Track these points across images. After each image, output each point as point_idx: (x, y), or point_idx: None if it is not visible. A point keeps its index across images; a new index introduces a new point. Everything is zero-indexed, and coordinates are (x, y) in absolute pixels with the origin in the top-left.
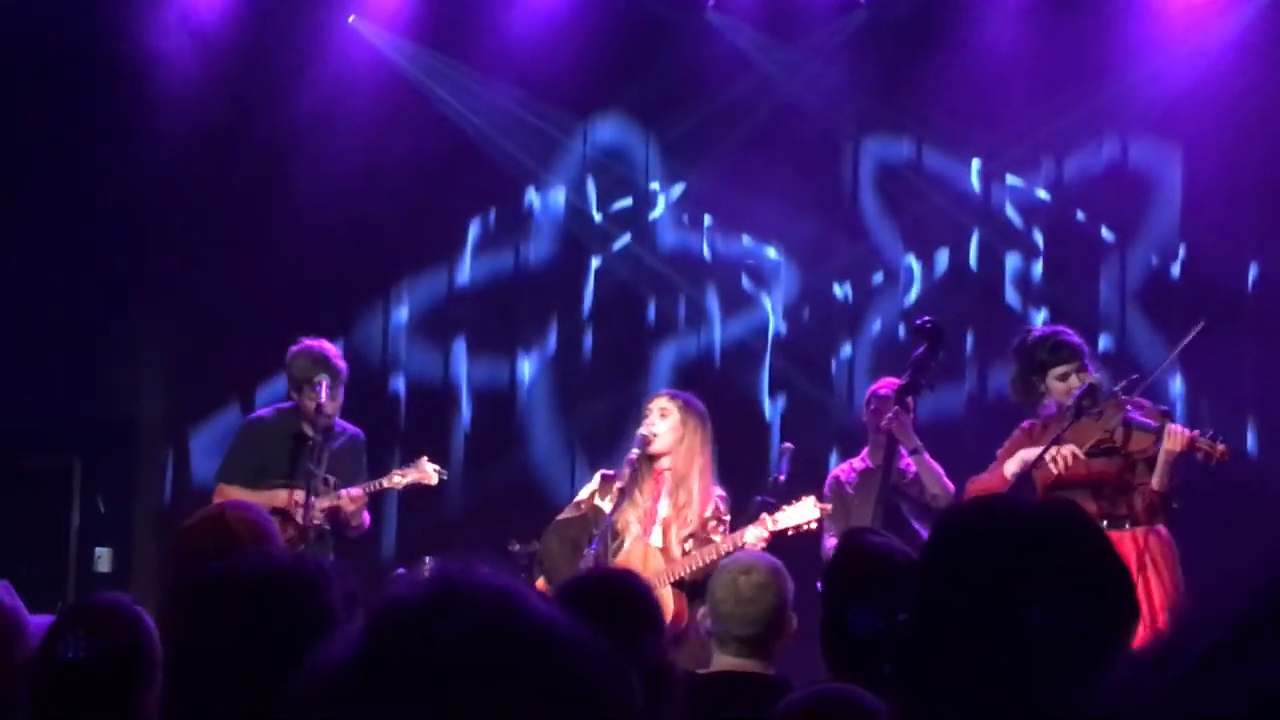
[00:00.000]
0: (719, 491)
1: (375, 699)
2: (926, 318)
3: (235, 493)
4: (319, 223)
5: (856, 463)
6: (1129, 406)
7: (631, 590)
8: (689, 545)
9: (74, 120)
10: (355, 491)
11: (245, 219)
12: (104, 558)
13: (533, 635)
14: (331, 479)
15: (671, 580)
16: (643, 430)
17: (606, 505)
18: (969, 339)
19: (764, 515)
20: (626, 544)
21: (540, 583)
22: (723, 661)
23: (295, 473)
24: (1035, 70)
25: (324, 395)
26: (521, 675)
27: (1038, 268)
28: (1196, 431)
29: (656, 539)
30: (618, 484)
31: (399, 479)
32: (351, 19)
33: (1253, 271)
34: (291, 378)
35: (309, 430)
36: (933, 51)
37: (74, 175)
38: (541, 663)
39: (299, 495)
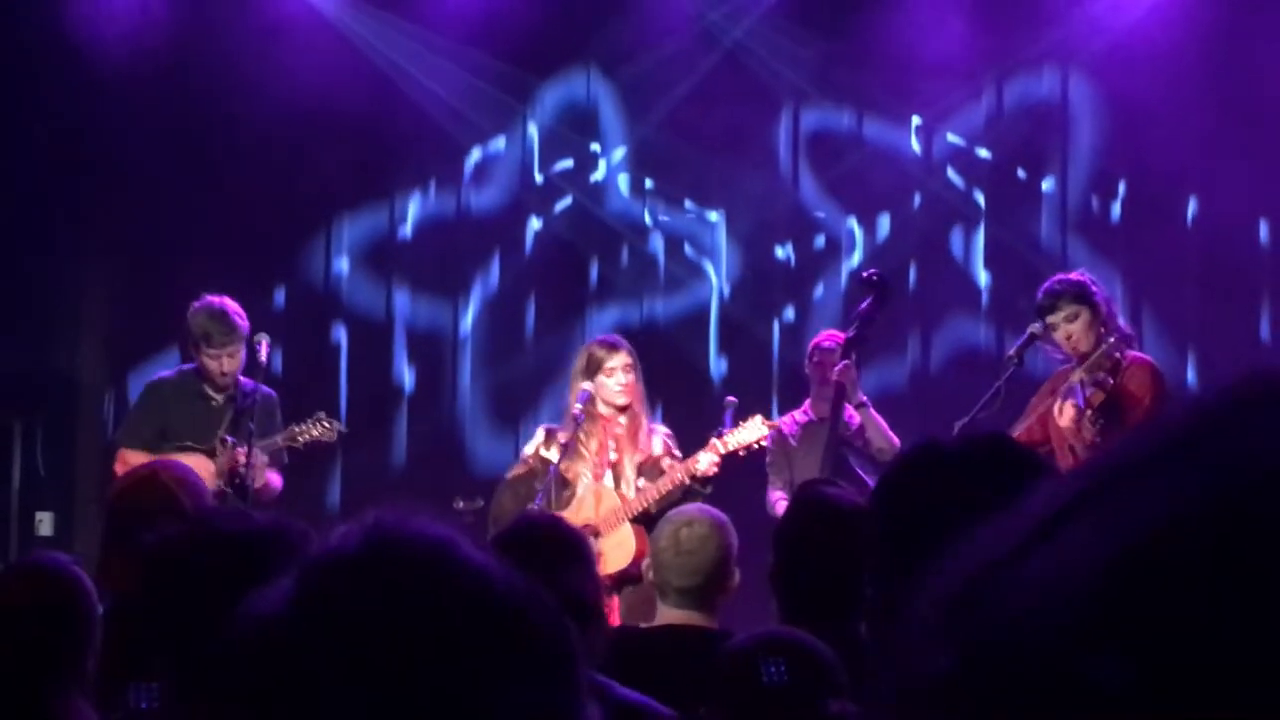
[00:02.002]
0: (665, 430)
1: (307, 651)
2: (872, 270)
3: (135, 458)
4: (261, 172)
5: (799, 415)
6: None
7: (554, 530)
8: (641, 481)
9: (5, 66)
10: (256, 453)
11: (184, 167)
12: (45, 521)
13: (468, 584)
14: (230, 439)
15: (630, 516)
16: (615, 395)
17: (553, 456)
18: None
19: (712, 440)
20: (579, 492)
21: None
22: (665, 614)
23: (200, 436)
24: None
25: (264, 353)
26: (457, 624)
27: (980, 226)
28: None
29: (609, 482)
30: (562, 437)
31: (298, 437)
32: None
33: (1192, 206)
34: (190, 336)
35: (210, 391)
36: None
37: (5, 124)
38: (477, 611)
39: (206, 459)
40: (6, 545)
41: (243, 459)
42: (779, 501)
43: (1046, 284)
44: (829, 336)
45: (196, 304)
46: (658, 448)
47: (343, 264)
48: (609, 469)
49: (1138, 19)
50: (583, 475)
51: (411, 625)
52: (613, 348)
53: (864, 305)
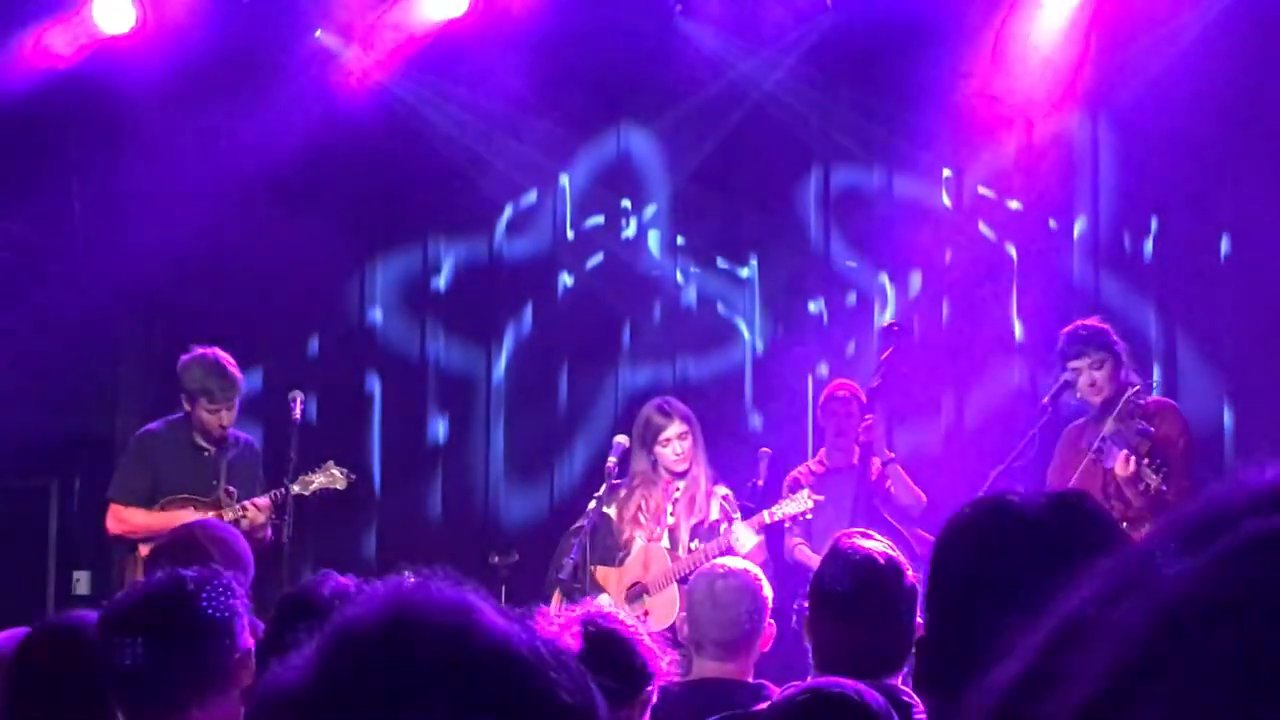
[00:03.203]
0: (724, 490)
1: None
2: (893, 321)
3: (131, 514)
4: (297, 223)
5: (814, 465)
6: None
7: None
8: (695, 544)
9: (48, 145)
10: (262, 501)
11: (218, 219)
12: (82, 580)
13: (488, 659)
14: (234, 490)
15: (678, 578)
16: (671, 464)
17: (611, 511)
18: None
19: (761, 512)
20: (633, 552)
21: (555, 595)
22: (701, 668)
23: (194, 487)
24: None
25: (298, 410)
26: (481, 696)
27: (1012, 277)
28: (1139, 465)
29: (665, 542)
30: (622, 499)
31: (308, 484)
32: (319, 34)
33: (1225, 244)
34: (185, 389)
35: (202, 441)
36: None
37: (54, 198)
38: (500, 681)
39: (204, 512)
40: (44, 602)
41: (253, 511)
42: (798, 548)
43: (1070, 330)
44: (842, 385)
45: (187, 356)
46: (715, 512)
47: (376, 313)
48: (666, 531)
49: (1166, 60)
50: (638, 537)
51: (431, 703)
52: (668, 415)
53: (886, 355)
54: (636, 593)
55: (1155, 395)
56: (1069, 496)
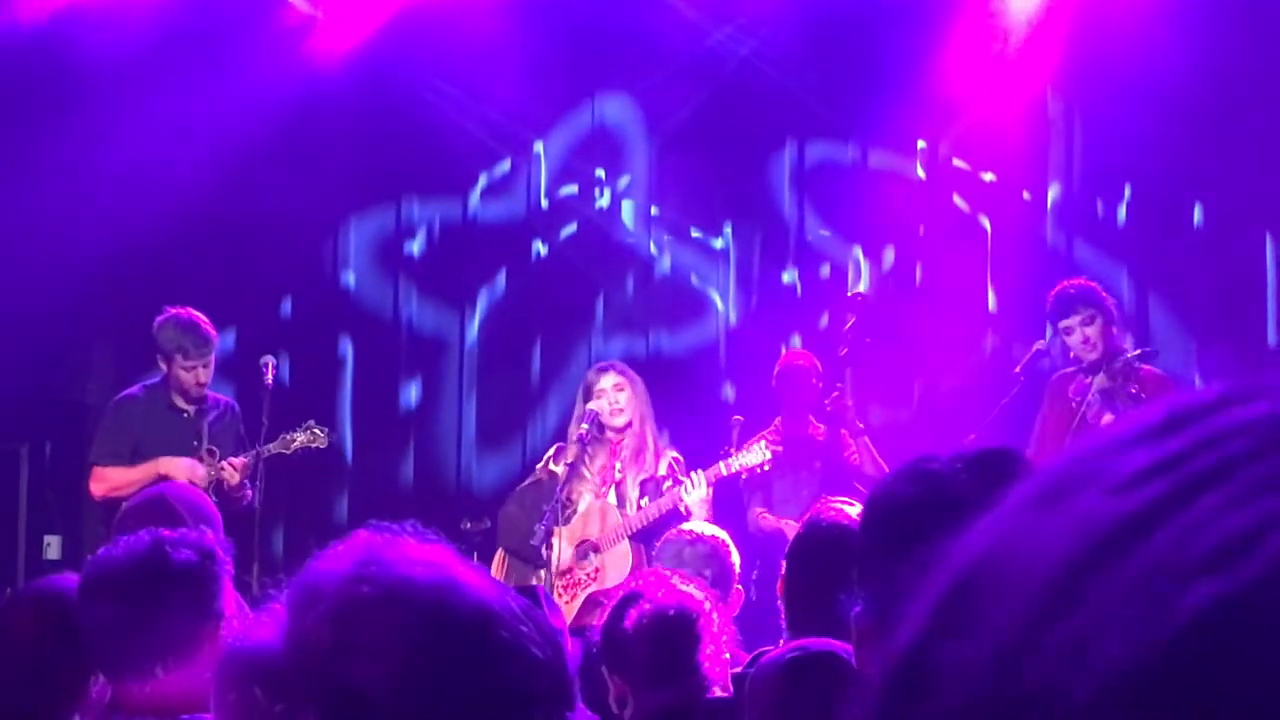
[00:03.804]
0: (674, 454)
1: (309, 685)
2: (856, 292)
3: (113, 473)
4: (269, 184)
5: (769, 434)
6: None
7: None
8: (644, 500)
9: (9, 109)
10: (238, 461)
11: (191, 180)
12: (53, 544)
13: (466, 609)
14: (216, 450)
15: (630, 533)
16: (603, 414)
17: (560, 471)
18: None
19: (717, 464)
20: (581, 508)
21: (498, 554)
22: None
23: (175, 449)
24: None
25: (269, 375)
26: (456, 651)
27: (986, 248)
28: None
29: (612, 499)
30: (565, 459)
31: (290, 444)
32: None
33: (1198, 212)
34: (160, 349)
35: (181, 403)
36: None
37: (23, 166)
38: (476, 637)
39: (196, 462)
40: (14, 568)
41: (229, 470)
42: (760, 516)
43: (1057, 290)
44: (800, 355)
45: (162, 317)
46: (663, 469)
47: (349, 276)
48: (612, 486)
49: (1141, 32)
50: (585, 494)
51: (405, 662)
52: (602, 370)
53: (850, 326)
54: (584, 550)
55: (1152, 367)
56: (990, 454)
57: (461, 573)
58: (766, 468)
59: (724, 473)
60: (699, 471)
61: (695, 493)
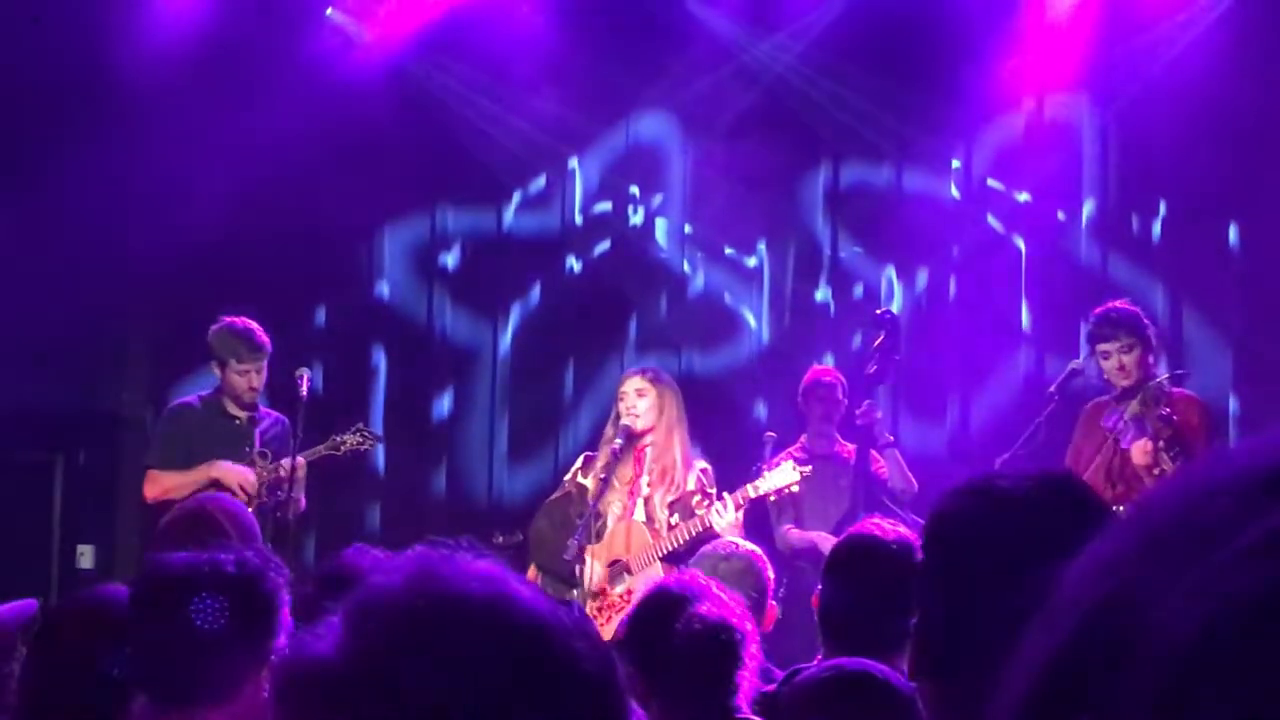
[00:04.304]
0: (703, 464)
1: (359, 701)
2: (884, 309)
3: (166, 477)
4: (304, 196)
5: (796, 451)
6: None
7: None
8: (675, 518)
9: (42, 94)
10: (297, 460)
11: (227, 211)
12: (86, 554)
13: (520, 625)
14: (269, 452)
15: (661, 555)
16: (623, 417)
17: (588, 483)
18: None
19: (744, 485)
20: (610, 525)
21: (531, 569)
22: None
23: (228, 455)
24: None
25: (304, 387)
26: (509, 667)
27: (1021, 268)
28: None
29: (640, 516)
30: (597, 470)
31: (340, 447)
32: (330, 12)
33: (1233, 230)
34: (215, 355)
35: (234, 409)
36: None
37: (58, 176)
38: (529, 652)
39: (248, 468)
40: (48, 577)
41: (284, 473)
42: (789, 532)
43: (1103, 310)
44: (826, 371)
45: (217, 324)
46: (691, 484)
47: (384, 287)
48: (640, 501)
49: (1176, 46)
50: (614, 506)
51: (461, 676)
52: (630, 374)
53: (878, 343)
54: (618, 571)
55: (1184, 389)
56: (1054, 476)
57: (515, 588)
58: (795, 488)
59: (752, 495)
60: (727, 496)
61: (725, 518)
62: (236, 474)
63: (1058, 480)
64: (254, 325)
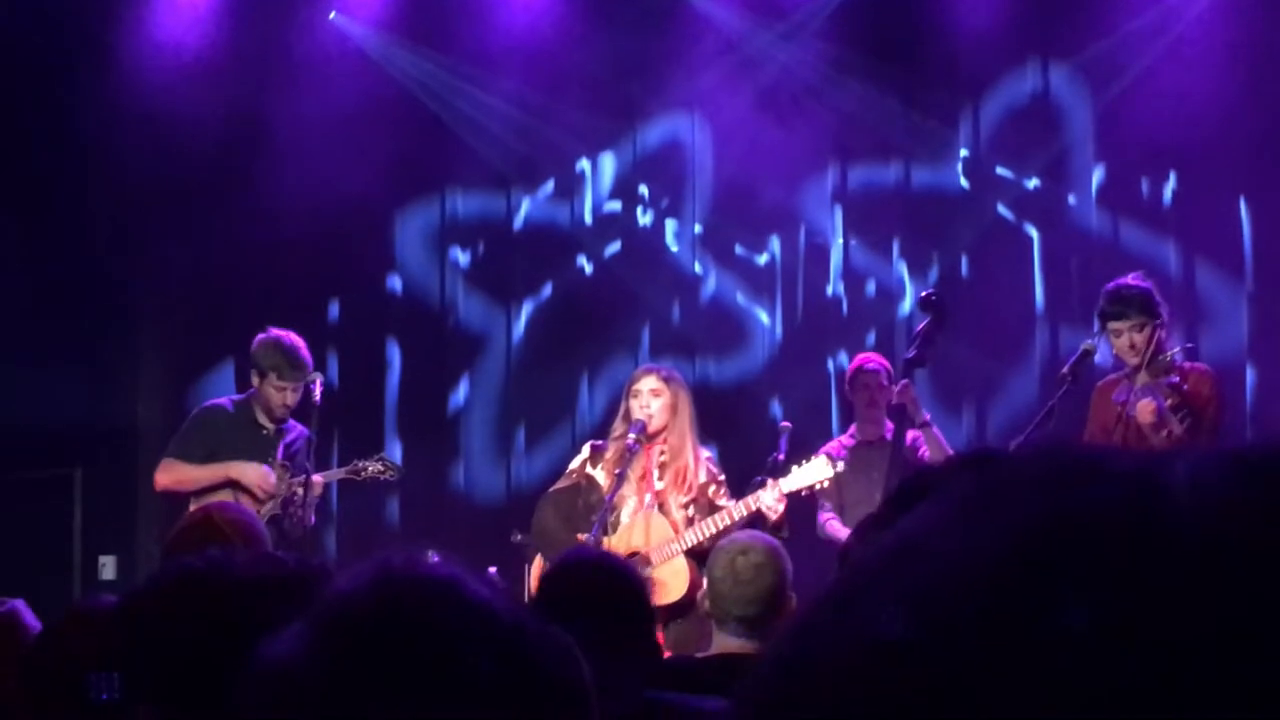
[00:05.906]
0: (705, 453)
1: (324, 702)
2: (930, 290)
3: (181, 467)
4: (311, 220)
5: (845, 439)
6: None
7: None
8: (691, 511)
9: (63, 129)
10: (315, 479)
11: (240, 224)
12: (108, 565)
13: (478, 630)
14: (289, 465)
15: (685, 550)
16: (637, 415)
17: (598, 474)
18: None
19: (770, 480)
20: (624, 519)
21: (537, 561)
22: (722, 643)
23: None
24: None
25: (318, 393)
26: (471, 672)
27: (1034, 256)
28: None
29: (657, 510)
30: (611, 465)
31: (360, 473)
32: (333, 15)
33: (1242, 204)
34: (256, 364)
35: (264, 420)
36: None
37: (68, 187)
38: (490, 656)
39: (269, 471)
40: (71, 588)
41: (299, 489)
42: (829, 522)
43: (1114, 287)
44: (870, 358)
45: (264, 335)
46: (702, 476)
47: (396, 281)
48: (654, 497)
49: (1185, 25)
50: (628, 500)
51: (424, 675)
52: (644, 371)
53: (922, 325)
54: (637, 563)
55: (1196, 362)
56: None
57: (474, 590)
58: (825, 484)
59: (784, 490)
60: (759, 495)
61: (771, 494)
62: (257, 473)
63: (1048, 449)
64: (300, 342)
